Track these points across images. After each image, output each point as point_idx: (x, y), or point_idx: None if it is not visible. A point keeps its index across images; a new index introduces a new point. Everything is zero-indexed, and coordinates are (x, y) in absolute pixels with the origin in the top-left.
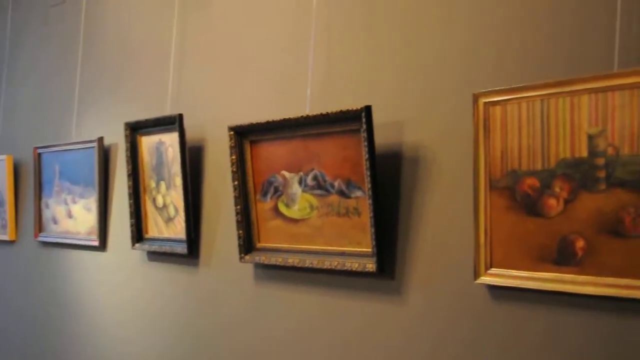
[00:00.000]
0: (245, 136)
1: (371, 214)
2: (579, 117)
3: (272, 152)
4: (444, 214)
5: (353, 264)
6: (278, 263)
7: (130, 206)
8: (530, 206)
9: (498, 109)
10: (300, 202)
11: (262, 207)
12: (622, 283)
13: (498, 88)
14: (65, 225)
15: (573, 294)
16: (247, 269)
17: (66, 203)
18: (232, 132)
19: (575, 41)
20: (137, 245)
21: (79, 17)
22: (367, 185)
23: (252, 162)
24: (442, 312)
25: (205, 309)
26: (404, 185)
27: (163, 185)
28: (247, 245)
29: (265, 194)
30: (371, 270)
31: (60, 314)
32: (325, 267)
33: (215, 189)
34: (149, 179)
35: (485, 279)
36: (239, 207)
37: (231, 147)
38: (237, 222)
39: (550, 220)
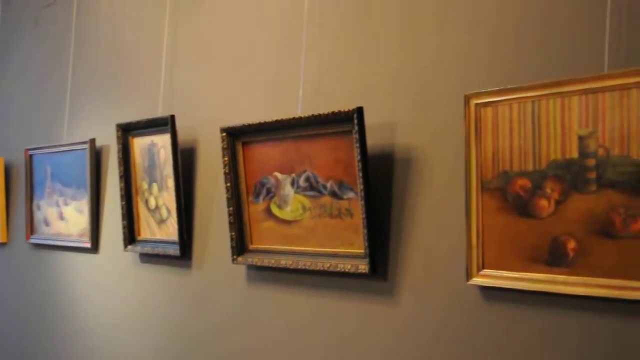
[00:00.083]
0: (237, 137)
1: (363, 215)
2: (570, 118)
3: (264, 153)
4: (436, 215)
5: (346, 266)
6: (271, 264)
7: (123, 208)
8: (522, 207)
9: (489, 110)
10: (292, 203)
11: (255, 208)
12: (613, 284)
13: (489, 89)
14: (57, 227)
15: (565, 294)
16: (240, 270)
17: (58, 205)
18: (224, 134)
19: (566, 43)
20: (129, 247)
21: (70, 18)
22: (360, 186)
23: (245, 164)
24: (435, 313)
25: (198, 311)
26: (397, 186)
27: (155, 186)
28: (240, 246)
29: (257, 196)
30: (364, 271)
31: (52, 316)
32: (317, 268)
33: (208, 190)
34: (141, 180)
35: (478, 280)
36: (231, 208)
37: (223, 149)
38: (230, 223)
39: (542, 221)
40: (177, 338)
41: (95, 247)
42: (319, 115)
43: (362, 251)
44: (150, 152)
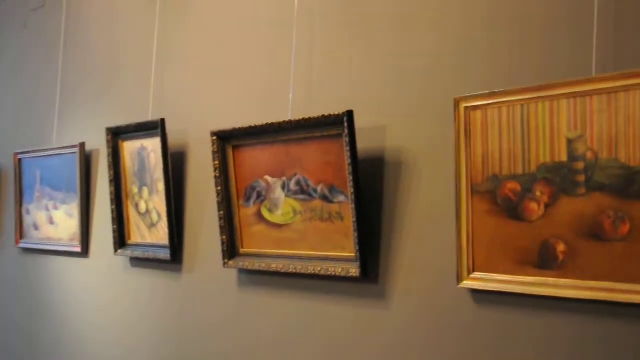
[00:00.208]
0: (228, 141)
1: (354, 219)
2: (559, 121)
3: (255, 157)
4: (427, 218)
5: (336, 269)
6: (262, 268)
7: (113, 212)
8: (512, 210)
9: (479, 114)
10: (283, 207)
11: (245, 212)
12: (603, 286)
13: (479, 93)
14: (47, 231)
15: (555, 297)
16: (231, 274)
17: (47, 209)
18: (214, 137)
19: (554, 47)
20: (119, 251)
21: (60, 21)
22: (350, 190)
23: (235, 167)
24: (426, 316)
25: (189, 315)
26: (387, 189)
27: (146, 190)
28: (231, 250)
29: (248, 199)
30: (354, 275)
31: (43, 321)
32: (308, 272)
33: (198, 194)
34: (131, 184)
35: (468, 283)
36: (222, 212)
37: (214, 152)
38: (221, 227)
39: (532, 224)
40: (168, 342)
41: (85, 252)
42: (310, 118)
43: (353, 255)
44: (141, 156)
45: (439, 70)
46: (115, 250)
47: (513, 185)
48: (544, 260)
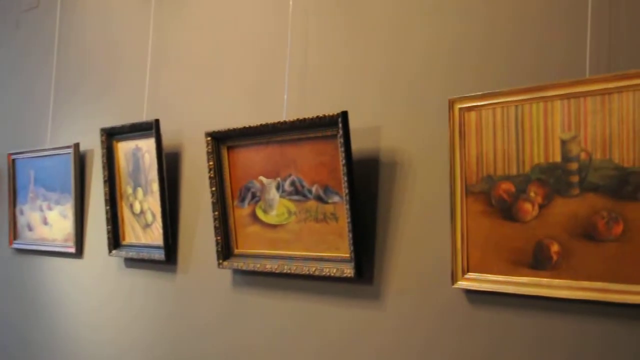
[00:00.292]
0: (222, 142)
1: (349, 220)
2: (552, 122)
3: (249, 157)
4: (422, 219)
5: (331, 270)
6: (256, 269)
7: (107, 212)
8: (506, 211)
9: (473, 115)
10: (278, 207)
11: (240, 213)
12: (596, 286)
13: (473, 94)
14: (41, 232)
15: (549, 297)
16: (225, 275)
17: (41, 210)
18: (209, 138)
19: (548, 48)
20: (114, 251)
21: (54, 22)
22: (345, 190)
23: (230, 168)
24: (421, 316)
25: (183, 316)
26: (382, 190)
27: (140, 191)
28: (225, 251)
29: (242, 200)
30: (349, 275)
31: (37, 322)
32: (303, 272)
33: (193, 194)
34: (125, 185)
35: (463, 284)
36: (216, 213)
37: (208, 153)
38: (215, 228)
39: (526, 224)
40: (162, 343)
41: (79, 252)
42: (304, 119)
43: (348, 255)
44: (135, 156)
45: (433, 71)
46: (110, 251)
47: (507, 186)
48: (538, 261)
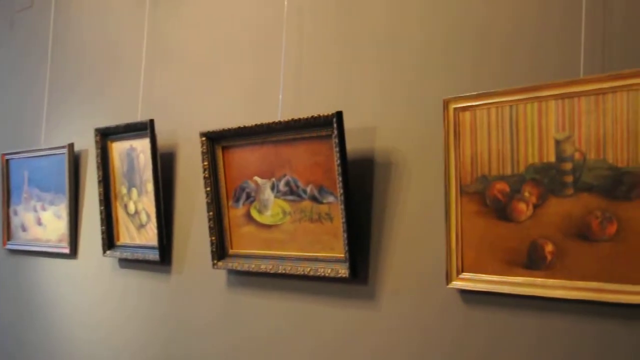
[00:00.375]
0: (217, 142)
1: (343, 220)
2: (547, 122)
3: (244, 158)
4: (416, 219)
5: (326, 270)
6: (251, 269)
7: (101, 213)
8: (500, 211)
9: (468, 115)
10: (272, 207)
11: (235, 213)
12: (590, 286)
13: (468, 94)
14: (35, 232)
15: (543, 297)
16: (220, 275)
17: (35, 210)
18: (204, 138)
19: (542, 48)
20: (108, 252)
21: (48, 22)
22: (339, 190)
23: (224, 168)
24: (415, 316)
25: (178, 316)
26: (377, 190)
27: (134, 191)
28: (220, 251)
29: (237, 200)
30: (344, 275)
31: (31, 323)
32: (298, 273)
33: (188, 195)
34: (120, 185)
35: (457, 284)
36: (211, 213)
37: (203, 153)
38: (210, 228)
39: (520, 224)
40: (157, 343)
41: (74, 253)
42: (299, 119)
43: (342, 255)
44: (130, 156)
45: (428, 72)
46: (104, 251)
47: (502, 186)
48: (532, 261)
